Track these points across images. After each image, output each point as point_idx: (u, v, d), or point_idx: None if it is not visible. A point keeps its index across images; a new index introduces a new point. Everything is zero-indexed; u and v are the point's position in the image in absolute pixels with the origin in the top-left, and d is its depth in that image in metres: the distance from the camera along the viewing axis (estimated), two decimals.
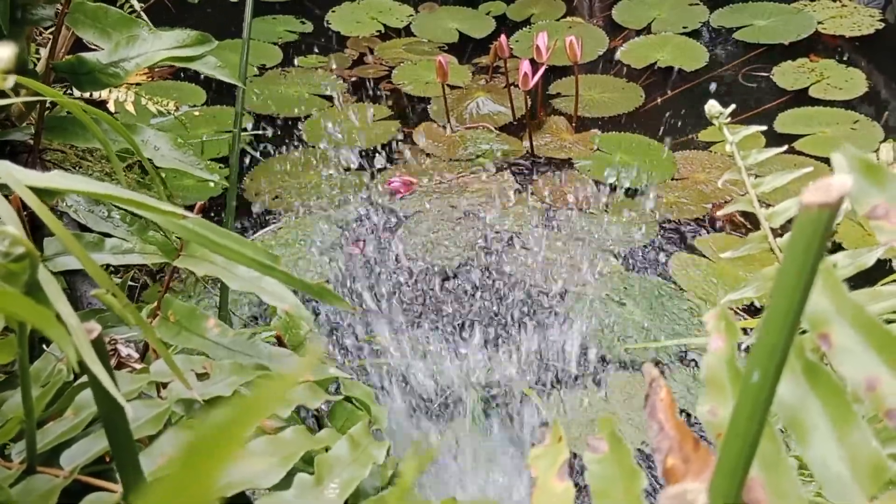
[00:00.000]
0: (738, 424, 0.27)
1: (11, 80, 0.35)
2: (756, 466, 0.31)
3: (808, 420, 0.30)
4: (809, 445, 0.30)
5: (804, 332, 0.34)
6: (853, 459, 0.29)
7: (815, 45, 2.74)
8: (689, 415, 1.55)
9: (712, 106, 0.69)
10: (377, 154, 2.36)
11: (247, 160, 2.33)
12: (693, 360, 1.69)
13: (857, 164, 0.32)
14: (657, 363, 1.68)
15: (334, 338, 1.71)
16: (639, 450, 1.52)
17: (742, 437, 0.27)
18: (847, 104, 2.43)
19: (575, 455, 1.38)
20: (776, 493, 0.31)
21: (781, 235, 0.67)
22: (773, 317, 0.26)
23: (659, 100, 2.54)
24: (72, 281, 0.90)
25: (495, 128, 2.47)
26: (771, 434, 0.32)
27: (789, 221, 0.70)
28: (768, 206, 0.72)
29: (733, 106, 0.72)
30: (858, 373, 0.30)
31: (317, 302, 1.70)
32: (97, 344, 0.38)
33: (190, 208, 0.69)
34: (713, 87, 2.55)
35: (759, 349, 0.27)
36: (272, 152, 2.37)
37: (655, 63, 2.69)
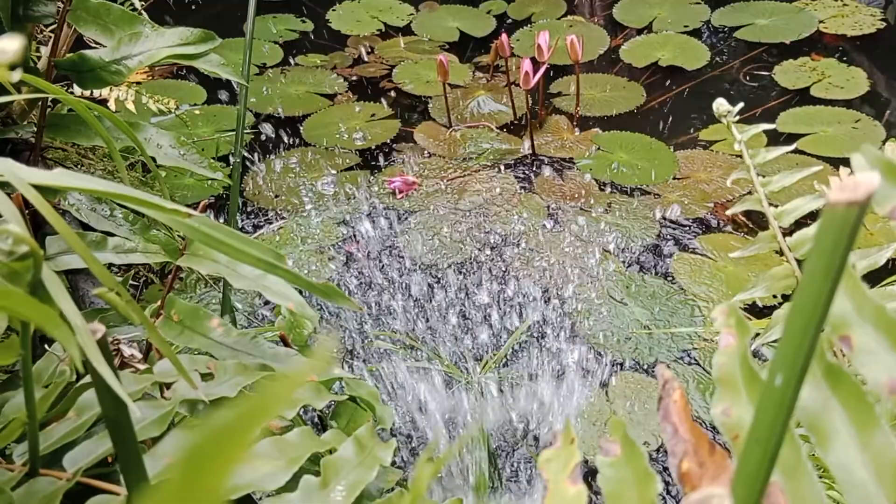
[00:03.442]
0: (759, 430, 0.27)
1: (18, 74, 0.35)
2: (776, 471, 0.30)
3: (829, 424, 0.30)
4: (831, 450, 0.29)
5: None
6: (876, 464, 0.28)
7: (817, 45, 2.73)
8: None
9: (720, 104, 0.69)
10: (377, 153, 2.35)
11: (247, 159, 2.33)
12: (695, 360, 1.68)
13: (879, 164, 0.32)
14: (658, 360, 1.67)
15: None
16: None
17: (763, 443, 0.26)
18: (848, 103, 2.42)
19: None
20: (796, 499, 0.30)
21: (791, 234, 0.66)
22: (797, 319, 0.25)
23: (660, 99, 2.53)
24: (74, 280, 0.89)
25: (496, 127, 2.46)
26: (791, 438, 0.31)
27: (797, 221, 0.69)
28: (773, 205, 0.71)
29: (741, 104, 0.71)
30: (881, 375, 0.29)
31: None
32: (102, 344, 0.38)
33: (192, 207, 0.68)
34: (714, 86, 2.55)
35: (782, 352, 0.26)
36: (273, 151, 2.36)
37: (657, 62, 2.69)
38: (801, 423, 0.31)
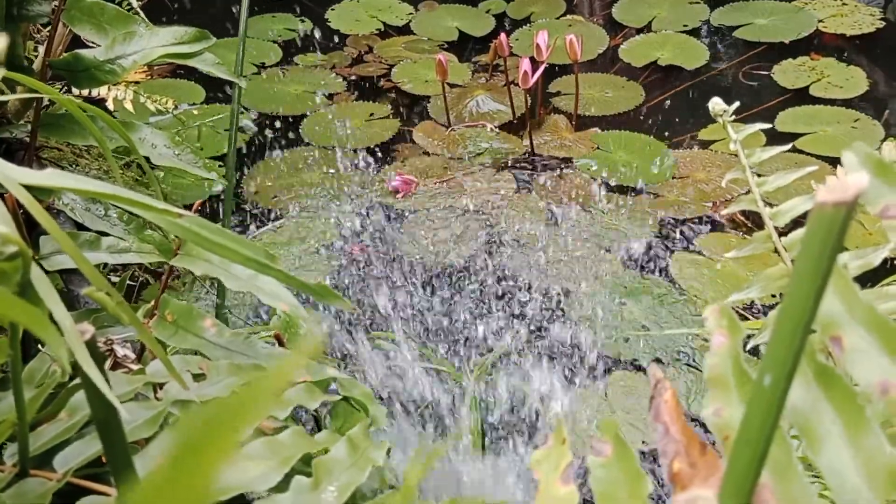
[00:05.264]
0: (748, 431, 0.26)
1: (0, 73, 0.34)
2: (766, 472, 0.30)
3: (820, 426, 0.29)
4: (822, 452, 0.29)
5: (812, 331, 0.33)
6: (867, 466, 0.28)
7: (816, 44, 2.73)
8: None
9: (716, 103, 0.68)
10: (377, 153, 2.35)
11: (246, 159, 2.32)
12: (693, 359, 1.68)
13: (870, 162, 0.31)
14: (656, 359, 1.67)
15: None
16: (640, 450, 1.51)
17: (753, 444, 0.26)
18: (847, 103, 2.42)
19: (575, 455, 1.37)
20: (787, 500, 0.30)
21: (786, 234, 0.66)
22: (786, 319, 0.25)
23: (659, 98, 2.53)
24: (69, 279, 0.89)
25: (495, 126, 2.46)
26: (780, 438, 0.31)
27: (793, 220, 0.69)
28: (771, 205, 0.71)
29: (737, 103, 0.71)
30: (872, 376, 0.29)
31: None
32: (91, 346, 0.38)
33: (189, 207, 0.68)
34: (713, 85, 2.55)
35: (771, 353, 0.26)
36: (272, 150, 2.36)
37: (656, 61, 2.68)
38: (792, 424, 0.31)
